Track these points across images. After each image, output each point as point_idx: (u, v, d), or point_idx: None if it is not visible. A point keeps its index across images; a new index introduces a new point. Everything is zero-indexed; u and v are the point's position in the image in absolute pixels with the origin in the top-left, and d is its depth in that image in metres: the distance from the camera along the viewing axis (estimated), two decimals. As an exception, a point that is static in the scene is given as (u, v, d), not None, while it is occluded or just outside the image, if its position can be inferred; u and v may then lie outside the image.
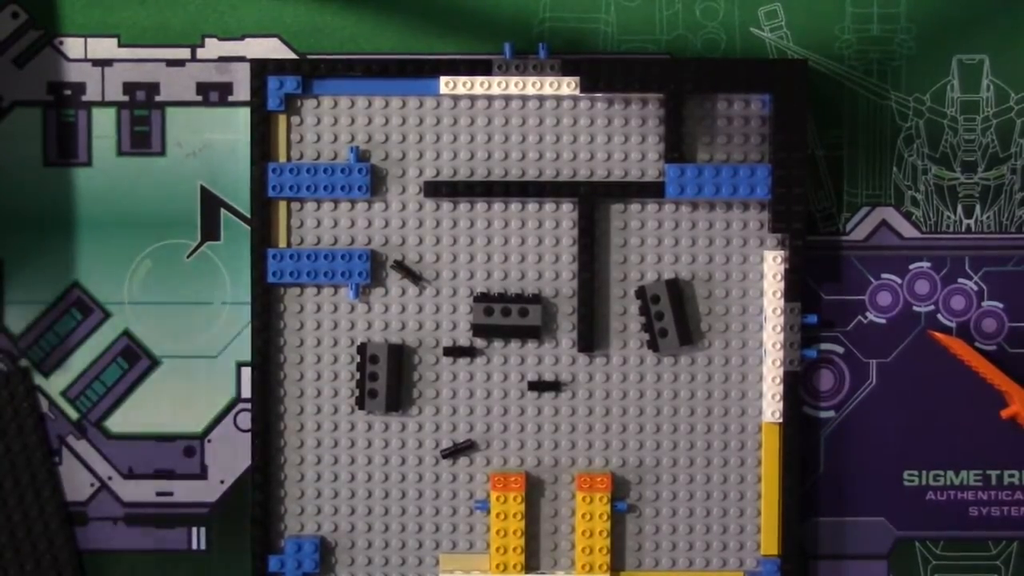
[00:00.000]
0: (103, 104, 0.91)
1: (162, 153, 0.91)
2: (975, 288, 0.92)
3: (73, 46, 0.91)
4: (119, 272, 0.91)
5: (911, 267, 0.92)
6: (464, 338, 0.89)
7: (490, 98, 0.89)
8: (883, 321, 0.92)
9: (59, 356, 0.91)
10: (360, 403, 0.89)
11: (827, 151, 0.91)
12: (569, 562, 0.90)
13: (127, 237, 0.91)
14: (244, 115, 0.89)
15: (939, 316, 0.92)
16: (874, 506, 0.92)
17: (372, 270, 0.89)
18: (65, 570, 0.91)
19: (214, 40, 0.91)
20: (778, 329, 0.89)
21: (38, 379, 0.91)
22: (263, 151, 0.88)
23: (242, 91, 0.90)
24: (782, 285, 0.89)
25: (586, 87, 0.88)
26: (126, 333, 0.91)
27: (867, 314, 0.91)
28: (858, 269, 0.91)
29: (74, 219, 0.91)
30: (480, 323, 0.89)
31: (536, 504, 0.90)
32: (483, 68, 0.88)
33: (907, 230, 0.91)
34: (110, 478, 0.92)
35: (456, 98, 0.89)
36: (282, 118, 0.89)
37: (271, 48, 0.90)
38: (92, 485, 0.92)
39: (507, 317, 0.89)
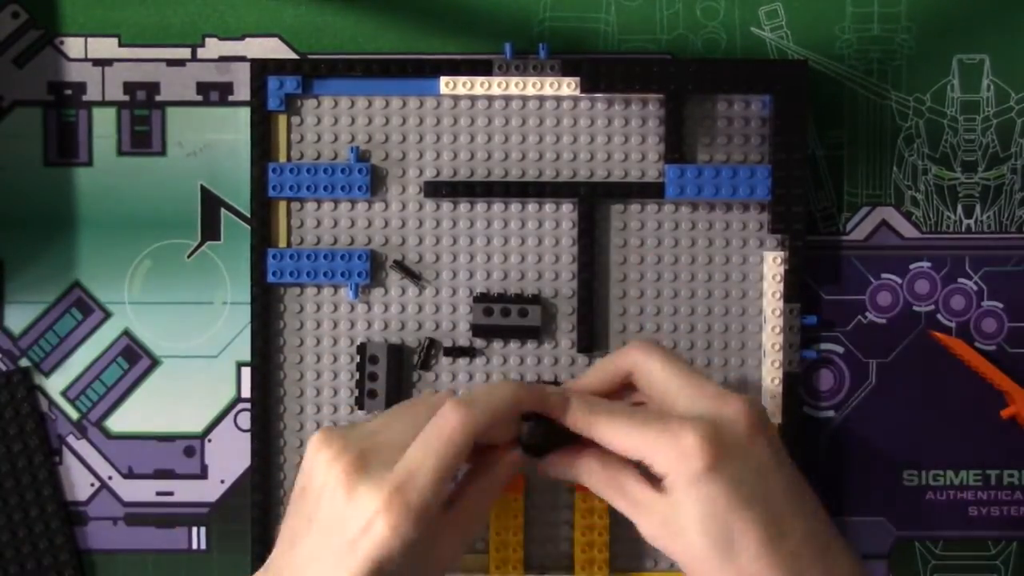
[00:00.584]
0: (103, 104, 0.91)
1: (162, 153, 0.91)
2: (975, 288, 0.91)
3: (73, 46, 0.91)
4: (119, 272, 0.91)
5: (911, 267, 0.92)
6: (464, 338, 0.89)
7: (490, 98, 0.89)
8: (883, 321, 0.92)
9: (59, 356, 0.91)
10: (360, 403, 0.89)
11: (827, 151, 0.91)
12: (568, 562, 0.90)
13: (127, 237, 0.91)
14: (244, 115, 0.90)
15: (939, 316, 0.92)
16: (874, 506, 0.92)
17: (372, 270, 0.89)
18: (65, 570, 0.91)
19: (214, 40, 0.91)
20: (778, 330, 0.89)
21: (38, 379, 0.91)
22: (263, 151, 0.88)
23: (242, 91, 0.90)
24: (782, 286, 0.89)
25: (586, 87, 0.88)
26: (126, 333, 0.91)
27: (867, 314, 0.91)
28: (858, 269, 0.91)
29: (74, 219, 0.91)
30: (480, 323, 0.89)
31: (535, 504, 0.90)
32: (483, 68, 0.88)
33: (907, 230, 0.91)
34: (110, 478, 0.92)
35: (456, 98, 0.89)
36: (282, 118, 0.89)
37: (271, 48, 0.90)
38: (92, 485, 0.92)
39: (507, 317, 0.89)
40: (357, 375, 0.89)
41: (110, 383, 0.91)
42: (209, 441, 0.91)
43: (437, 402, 0.77)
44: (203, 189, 0.91)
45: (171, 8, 0.91)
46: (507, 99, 0.89)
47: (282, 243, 0.89)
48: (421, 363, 0.90)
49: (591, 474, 0.77)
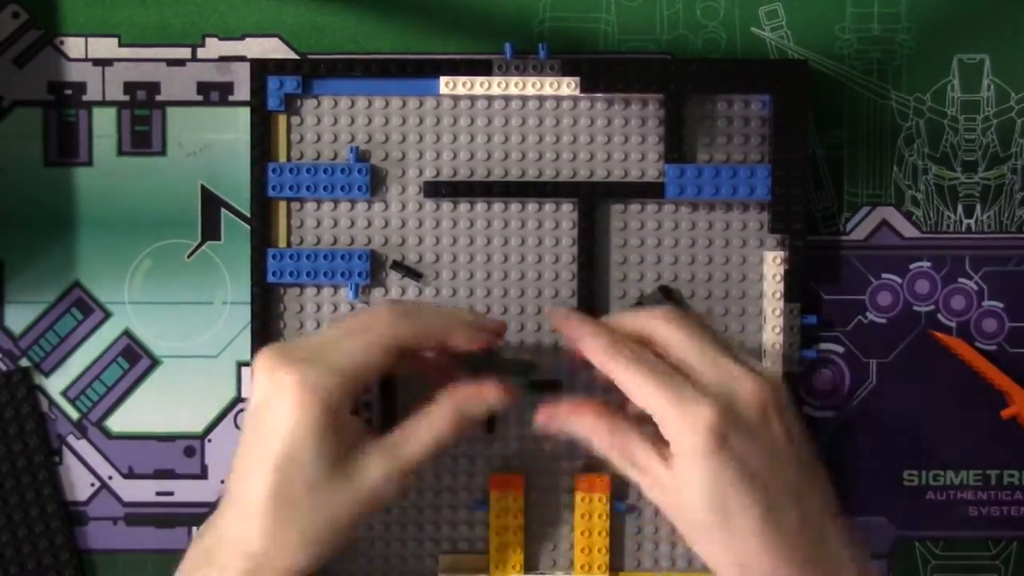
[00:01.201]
0: (104, 104, 0.91)
1: (162, 153, 0.91)
2: (975, 288, 0.91)
3: (73, 46, 0.91)
4: (119, 272, 0.91)
5: (911, 267, 0.92)
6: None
7: (490, 98, 0.89)
8: (883, 321, 0.92)
9: (59, 356, 0.91)
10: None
11: (827, 151, 0.91)
12: (568, 562, 0.90)
13: (127, 237, 0.91)
14: (244, 115, 0.90)
15: (939, 316, 0.92)
16: (874, 506, 0.92)
17: (372, 270, 0.89)
18: (65, 570, 0.91)
19: (214, 40, 0.91)
20: (777, 330, 0.89)
21: (38, 379, 0.91)
22: (263, 151, 0.88)
23: (242, 91, 0.90)
24: (782, 286, 0.89)
25: (586, 87, 0.88)
26: (126, 333, 0.91)
27: (867, 314, 0.91)
28: (858, 269, 0.91)
29: (74, 219, 0.91)
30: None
31: (535, 504, 0.90)
32: (483, 68, 0.88)
33: (907, 230, 0.91)
34: (110, 478, 0.92)
35: (456, 98, 0.89)
36: (282, 118, 0.89)
37: (271, 48, 0.90)
38: (92, 485, 0.92)
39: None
40: (357, 375, 0.89)
41: (110, 383, 0.91)
42: (209, 441, 0.91)
43: (379, 311, 0.78)
44: (203, 189, 0.91)
45: (171, 8, 0.91)
46: (507, 99, 0.89)
47: (282, 243, 0.89)
48: None
49: (599, 435, 0.78)
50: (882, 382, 0.91)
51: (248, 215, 0.90)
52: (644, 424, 0.77)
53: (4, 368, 0.91)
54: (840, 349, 0.92)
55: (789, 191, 0.88)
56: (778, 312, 0.89)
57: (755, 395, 0.75)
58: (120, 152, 0.91)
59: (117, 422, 0.92)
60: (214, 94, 0.91)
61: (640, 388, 0.76)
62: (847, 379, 0.92)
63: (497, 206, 0.89)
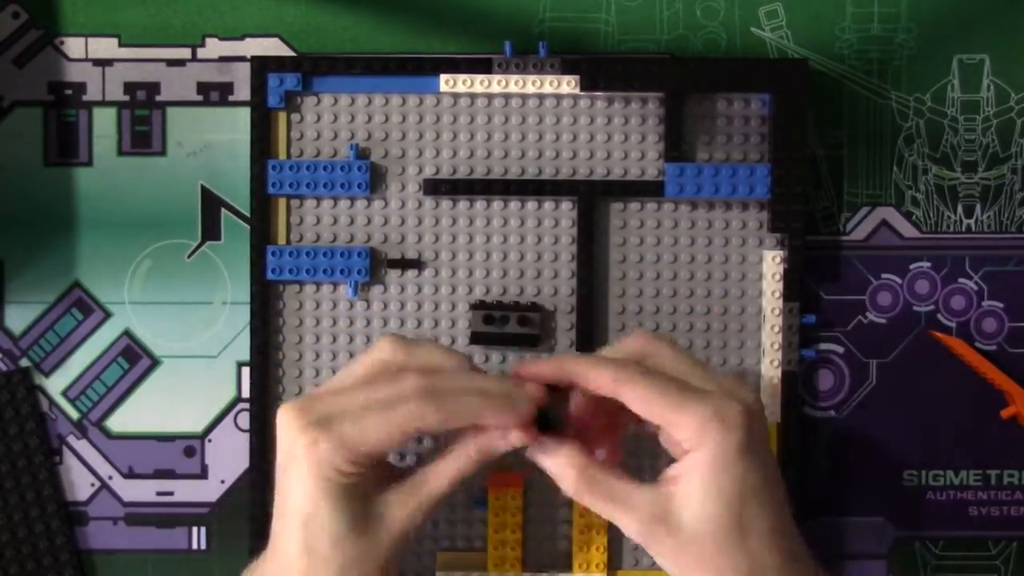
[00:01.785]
0: (104, 104, 0.91)
1: (162, 153, 0.91)
2: (975, 288, 0.91)
3: (74, 46, 0.91)
4: (119, 272, 0.91)
5: (911, 267, 0.91)
6: (463, 336, 0.89)
7: (490, 96, 0.89)
8: (883, 321, 0.92)
9: (59, 356, 0.91)
10: (359, 402, 0.89)
11: (827, 151, 0.91)
12: (566, 561, 0.90)
13: (127, 237, 0.91)
14: (244, 115, 0.90)
15: (939, 316, 0.92)
16: (874, 506, 0.92)
17: (371, 268, 0.89)
18: (65, 570, 0.91)
19: (214, 40, 0.91)
20: (777, 329, 0.89)
21: (38, 379, 0.91)
22: (263, 148, 0.88)
23: (242, 91, 0.90)
24: (781, 285, 0.89)
25: (586, 86, 0.88)
26: (126, 333, 0.91)
27: (867, 314, 0.91)
28: (858, 269, 0.91)
29: (74, 219, 0.91)
30: (480, 331, 0.88)
31: (534, 503, 0.90)
32: (483, 67, 0.88)
33: (907, 230, 0.91)
34: (110, 478, 0.92)
35: (456, 96, 0.89)
36: (282, 115, 0.89)
37: (271, 48, 0.91)
38: (92, 485, 0.92)
39: (505, 325, 0.89)
40: (356, 374, 0.89)
41: (110, 383, 0.91)
42: (209, 441, 0.91)
43: (404, 387, 0.76)
44: (203, 189, 0.91)
45: (171, 8, 0.91)
46: (507, 97, 0.89)
47: (281, 240, 0.89)
48: None
49: (565, 478, 0.77)
50: (882, 382, 0.91)
51: (248, 215, 0.90)
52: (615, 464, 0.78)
53: (4, 368, 0.91)
54: (840, 349, 0.91)
55: (789, 190, 0.88)
56: (777, 311, 0.89)
57: (754, 400, 0.76)
58: (120, 152, 0.91)
59: (117, 422, 0.92)
60: (214, 94, 0.91)
61: (663, 397, 0.74)
62: (847, 379, 0.92)
63: (497, 204, 0.89)
